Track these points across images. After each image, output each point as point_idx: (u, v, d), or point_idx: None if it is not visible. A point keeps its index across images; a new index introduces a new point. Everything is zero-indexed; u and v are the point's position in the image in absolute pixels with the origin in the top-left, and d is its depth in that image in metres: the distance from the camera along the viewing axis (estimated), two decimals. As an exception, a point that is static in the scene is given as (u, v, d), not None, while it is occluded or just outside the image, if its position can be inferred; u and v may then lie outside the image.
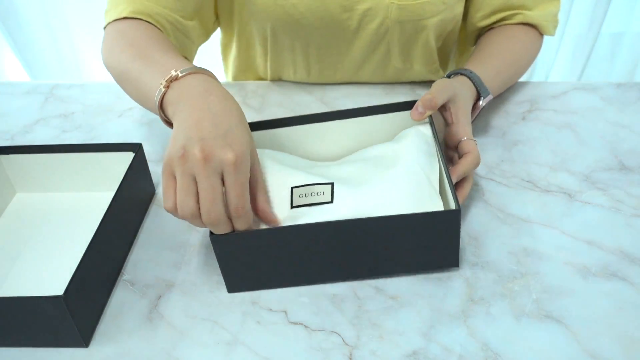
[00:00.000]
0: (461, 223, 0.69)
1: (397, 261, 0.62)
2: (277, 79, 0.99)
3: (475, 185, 0.75)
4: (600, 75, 1.91)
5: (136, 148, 0.72)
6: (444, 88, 0.71)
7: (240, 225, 0.58)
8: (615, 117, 0.85)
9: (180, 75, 0.62)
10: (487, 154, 0.80)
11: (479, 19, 0.89)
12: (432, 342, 0.57)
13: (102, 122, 0.92)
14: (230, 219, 0.58)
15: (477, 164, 0.69)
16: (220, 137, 0.56)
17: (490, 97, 0.78)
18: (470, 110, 0.76)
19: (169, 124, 0.65)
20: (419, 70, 0.93)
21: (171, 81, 0.62)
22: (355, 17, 0.85)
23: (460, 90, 0.74)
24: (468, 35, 0.94)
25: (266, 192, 0.63)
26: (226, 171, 0.56)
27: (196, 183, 0.56)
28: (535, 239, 0.67)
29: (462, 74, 0.78)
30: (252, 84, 0.98)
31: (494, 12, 0.88)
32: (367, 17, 0.85)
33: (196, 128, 0.57)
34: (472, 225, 0.69)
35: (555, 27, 0.90)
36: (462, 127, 0.72)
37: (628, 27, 1.82)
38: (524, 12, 0.87)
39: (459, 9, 0.87)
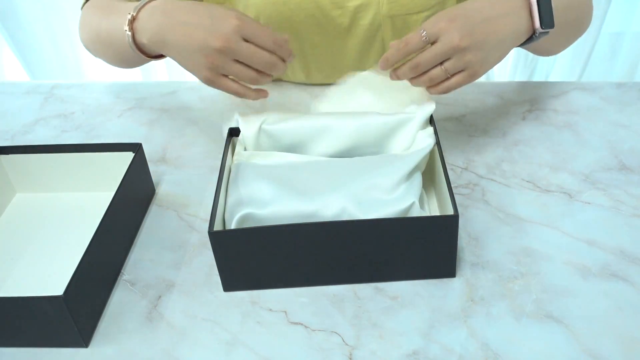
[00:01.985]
0: (461, 223, 0.69)
1: (395, 267, 0.62)
2: (277, 80, 0.99)
3: (475, 185, 0.75)
4: (600, 75, 1.91)
5: (136, 148, 0.72)
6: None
7: (283, 53, 0.68)
8: (615, 117, 0.85)
9: (134, 14, 0.69)
10: (487, 154, 0.80)
11: None
12: (432, 342, 0.57)
13: (102, 122, 0.92)
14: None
15: (396, 46, 0.68)
16: (212, 23, 0.65)
17: (548, 32, 0.70)
18: (483, 16, 0.67)
19: (158, 57, 0.73)
20: None
21: (131, 23, 0.70)
22: (347, 14, 0.85)
23: (455, 12, 0.68)
24: None
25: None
26: (242, 31, 0.65)
27: (239, 62, 0.66)
28: (535, 239, 0.67)
29: None
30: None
31: None
32: (359, 13, 0.85)
33: (190, 40, 0.66)
34: (472, 225, 0.69)
35: None
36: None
37: (628, 27, 1.82)
38: None
39: (451, 2, 0.87)
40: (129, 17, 0.69)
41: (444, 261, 0.62)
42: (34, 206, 0.76)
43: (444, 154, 0.68)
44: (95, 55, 0.85)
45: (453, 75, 0.68)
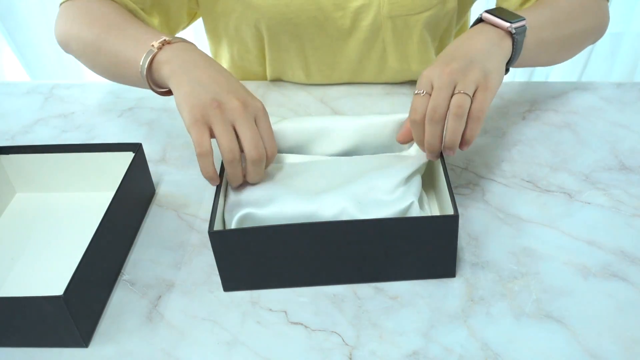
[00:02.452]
0: (461, 223, 0.69)
1: (395, 267, 0.62)
2: (277, 80, 0.99)
3: (475, 185, 0.75)
4: (600, 75, 1.91)
5: (136, 148, 0.72)
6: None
7: (269, 164, 0.66)
8: (615, 117, 0.85)
9: (173, 41, 0.68)
10: (487, 154, 0.80)
11: (519, 4, 0.84)
12: (432, 342, 0.57)
13: (102, 122, 0.92)
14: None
15: (412, 120, 0.64)
16: (243, 90, 0.65)
17: (522, 23, 0.69)
18: (467, 53, 0.66)
19: (156, 88, 0.70)
20: (417, 70, 0.93)
21: (163, 44, 0.67)
22: (349, 15, 0.85)
23: (440, 59, 0.67)
24: None
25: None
26: (259, 116, 0.64)
27: (234, 128, 0.62)
28: (535, 239, 0.67)
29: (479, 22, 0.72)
30: (252, 84, 0.98)
31: None
32: (360, 14, 0.85)
33: (215, 84, 0.64)
34: (472, 226, 0.69)
35: None
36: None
37: (628, 27, 1.82)
38: None
39: (452, 4, 0.86)
40: (166, 38, 0.67)
41: (444, 261, 0.62)
42: (34, 206, 0.76)
43: (444, 154, 0.68)
44: (76, 56, 0.82)
45: (473, 95, 0.63)
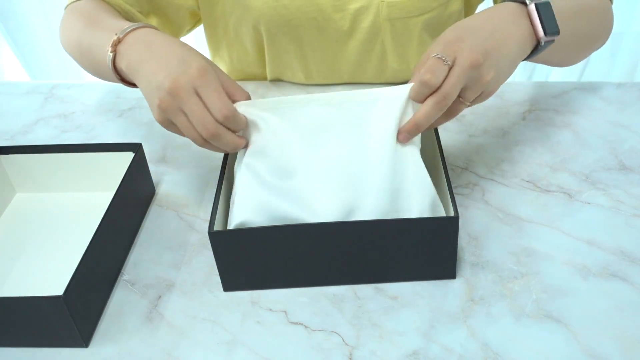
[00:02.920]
0: (461, 223, 0.69)
1: (395, 267, 0.62)
2: (277, 80, 0.99)
3: (475, 185, 0.75)
4: (600, 75, 1.91)
5: (136, 148, 0.72)
6: (427, 53, 0.63)
7: (236, 126, 0.62)
8: (615, 117, 0.85)
9: (121, 37, 0.67)
10: (487, 154, 0.80)
11: None
12: (432, 342, 0.57)
13: (102, 122, 0.92)
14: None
15: (424, 83, 0.60)
16: (177, 65, 0.61)
17: (554, 38, 0.66)
18: (492, 27, 0.64)
19: (130, 84, 0.70)
20: None
21: (115, 45, 0.67)
22: (348, 17, 0.85)
23: (460, 26, 0.64)
24: None
25: (244, 91, 0.65)
26: (197, 86, 0.60)
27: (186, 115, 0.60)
28: (535, 239, 0.67)
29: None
30: (252, 84, 0.98)
31: None
32: (359, 16, 0.85)
33: (155, 74, 0.61)
34: (472, 225, 0.69)
35: None
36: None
37: (628, 27, 1.82)
38: None
39: (455, 6, 0.86)
40: (115, 38, 0.66)
41: (444, 262, 0.62)
42: (34, 206, 0.76)
43: (444, 154, 0.68)
44: (74, 59, 0.84)
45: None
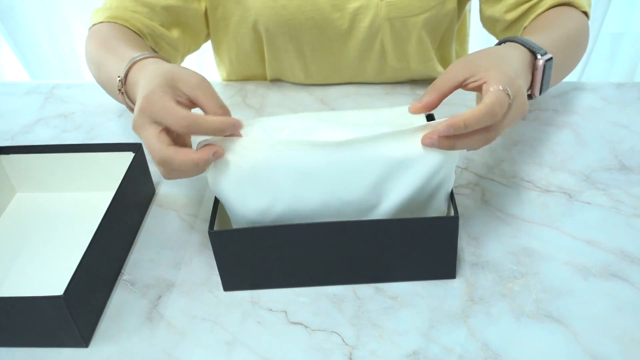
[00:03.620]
0: (461, 223, 0.69)
1: (394, 267, 0.62)
2: (277, 80, 0.99)
3: (476, 185, 0.75)
4: (600, 75, 1.91)
5: (136, 148, 0.72)
6: (454, 73, 0.63)
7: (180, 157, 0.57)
8: (615, 117, 0.85)
9: (123, 77, 0.65)
10: (487, 154, 0.80)
11: (504, 10, 0.83)
12: (432, 342, 0.57)
13: (102, 122, 0.92)
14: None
15: (491, 114, 0.57)
16: (142, 100, 0.57)
17: (548, 57, 0.66)
18: (520, 67, 0.63)
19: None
20: (416, 68, 0.92)
21: (122, 86, 0.65)
22: (347, 17, 0.85)
23: (493, 55, 0.64)
24: (498, 34, 0.88)
25: (216, 100, 0.60)
26: (150, 114, 0.57)
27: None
28: (535, 239, 0.67)
29: (508, 42, 0.68)
30: (252, 84, 0.98)
31: (518, 4, 0.81)
32: (358, 15, 0.85)
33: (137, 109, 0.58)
34: (472, 225, 0.69)
35: (588, 3, 0.82)
36: (493, 79, 0.60)
37: (628, 27, 1.82)
38: None
39: (451, 5, 0.86)
40: (118, 82, 0.65)
41: (444, 263, 0.62)
42: (34, 206, 0.76)
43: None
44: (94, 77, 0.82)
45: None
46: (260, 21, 0.86)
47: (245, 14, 0.87)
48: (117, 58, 0.70)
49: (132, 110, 0.67)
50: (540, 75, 0.66)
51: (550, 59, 0.66)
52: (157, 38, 0.84)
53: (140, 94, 0.58)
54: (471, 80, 0.62)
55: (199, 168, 0.57)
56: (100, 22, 0.82)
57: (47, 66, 1.96)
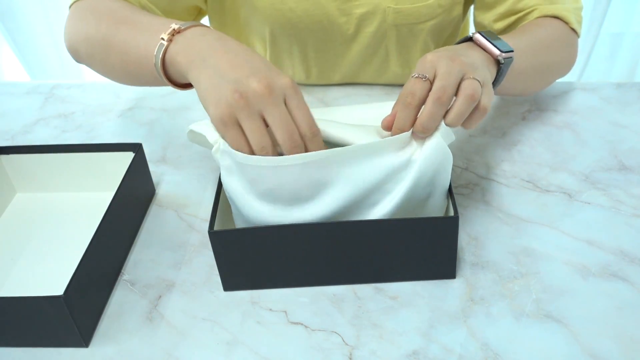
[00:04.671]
0: (461, 223, 0.69)
1: (394, 267, 0.62)
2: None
3: (476, 185, 0.75)
4: (600, 75, 1.92)
5: (136, 148, 0.72)
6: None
7: (315, 147, 0.57)
8: (615, 117, 0.85)
9: (182, 28, 0.62)
10: (487, 154, 0.80)
11: (493, 20, 0.84)
12: (432, 342, 0.57)
13: (102, 122, 0.92)
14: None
15: (402, 103, 0.58)
16: (265, 68, 0.57)
17: (511, 54, 0.65)
18: (477, 61, 0.63)
19: (173, 83, 0.65)
20: None
21: (173, 34, 0.61)
22: (353, 21, 0.85)
23: (442, 49, 0.64)
24: None
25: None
26: (288, 95, 0.56)
27: (263, 119, 0.56)
28: (535, 239, 0.67)
29: (466, 41, 0.68)
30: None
31: (507, 14, 0.83)
32: (364, 20, 0.85)
33: (235, 69, 0.56)
34: (472, 226, 0.69)
35: (578, 21, 0.82)
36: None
37: (628, 27, 1.82)
38: (539, 7, 0.80)
39: (457, 11, 0.86)
40: (175, 27, 0.61)
41: (444, 263, 0.62)
42: (34, 206, 0.76)
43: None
44: (86, 62, 0.78)
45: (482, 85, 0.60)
46: (266, 22, 0.86)
47: (251, 17, 0.87)
48: (147, 24, 0.66)
49: (168, 82, 0.64)
50: (486, 42, 0.66)
51: (510, 58, 0.66)
52: None
53: (271, 67, 0.57)
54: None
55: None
56: None
57: (47, 66, 1.96)
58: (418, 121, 0.58)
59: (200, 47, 0.60)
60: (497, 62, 0.66)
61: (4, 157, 0.75)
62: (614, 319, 0.58)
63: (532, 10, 0.81)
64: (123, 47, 0.68)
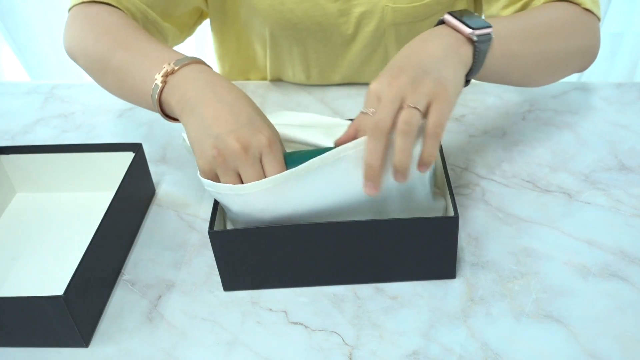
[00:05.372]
0: (461, 223, 0.69)
1: (395, 267, 0.62)
2: (277, 80, 0.99)
3: (476, 185, 0.75)
4: (600, 75, 1.91)
5: (136, 148, 0.72)
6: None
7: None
8: (615, 117, 0.85)
9: (175, 68, 0.62)
10: (487, 154, 0.80)
11: (501, 8, 0.80)
12: (432, 342, 0.57)
13: (102, 122, 0.92)
14: None
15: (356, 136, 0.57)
16: (247, 125, 0.58)
17: (483, 32, 0.61)
18: (431, 53, 0.60)
19: (170, 118, 0.65)
20: None
21: (167, 75, 0.62)
22: (352, 21, 0.85)
23: (396, 58, 0.61)
24: None
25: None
26: (264, 153, 0.57)
27: (239, 175, 0.57)
28: (535, 239, 0.67)
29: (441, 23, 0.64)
30: (252, 84, 0.98)
31: (515, 1, 0.78)
32: (363, 20, 0.85)
33: (218, 123, 0.58)
34: (472, 226, 0.69)
35: (594, 1, 0.75)
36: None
37: (628, 27, 1.82)
38: None
39: (460, 5, 0.86)
40: (168, 68, 0.62)
41: (444, 262, 0.62)
42: (34, 206, 0.76)
43: (444, 154, 0.68)
44: (85, 71, 0.78)
45: (428, 109, 0.56)
46: (266, 23, 0.86)
47: (251, 18, 0.87)
48: (144, 52, 0.66)
49: (161, 113, 0.64)
50: (456, 20, 0.62)
51: (487, 34, 0.61)
52: (148, 24, 0.80)
53: (255, 121, 0.58)
54: None
55: None
56: (84, 2, 0.76)
57: (47, 66, 1.96)
58: (365, 163, 0.56)
59: (191, 94, 0.61)
60: (472, 42, 0.61)
61: (4, 157, 0.75)
62: (614, 319, 0.58)
63: None
64: (119, 74, 0.69)
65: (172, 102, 0.62)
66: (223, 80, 0.62)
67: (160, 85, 0.62)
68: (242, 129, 0.57)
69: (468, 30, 0.61)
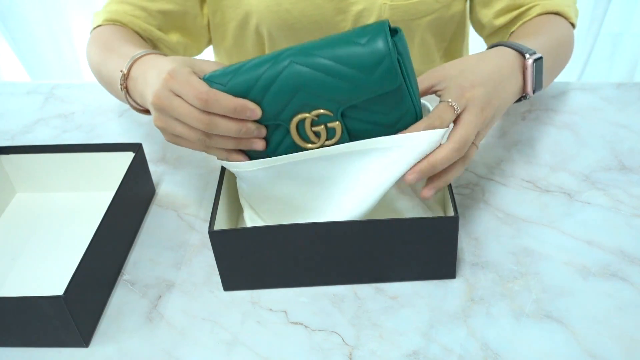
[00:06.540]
0: (461, 223, 0.69)
1: (395, 267, 0.62)
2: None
3: (476, 185, 0.75)
4: (600, 75, 1.91)
5: (136, 148, 0.72)
6: (422, 79, 0.65)
7: (221, 109, 0.56)
8: (615, 117, 0.85)
9: (126, 72, 0.66)
10: (487, 154, 0.80)
11: (493, 16, 0.84)
12: (432, 342, 0.57)
13: (102, 122, 0.92)
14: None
15: (433, 125, 0.58)
16: (155, 78, 0.60)
17: (537, 56, 0.67)
18: (495, 73, 0.64)
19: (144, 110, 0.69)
20: (417, 69, 0.92)
21: (125, 81, 0.67)
22: (350, 19, 0.85)
23: (463, 65, 0.65)
24: (485, 38, 0.89)
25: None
26: (172, 88, 0.57)
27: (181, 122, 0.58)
28: (535, 239, 0.67)
29: (495, 46, 0.70)
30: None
31: (508, 10, 0.83)
32: (361, 18, 0.85)
33: (146, 98, 0.61)
34: (472, 225, 0.69)
35: (576, 14, 0.83)
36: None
37: (628, 27, 1.82)
38: (540, 2, 0.81)
39: (458, 7, 0.86)
40: (121, 75, 0.67)
41: (444, 262, 0.62)
42: (34, 206, 0.76)
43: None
44: (100, 83, 0.83)
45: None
46: (263, 24, 0.86)
47: (248, 18, 0.87)
48: (119, 56, 0.71)
49: (134, 108, 0.69)
50: (531, 74, 0.67)
51: (540, 58, 0.67)
52: (155, 42, 0.85)
53: (160, 69, 0.60)
54: (435, 88, 0.64)
55: (237, 112, 0.57)
56: (100, 25, 0.83)
57: (47, 66, 1.96)
58: (428, 159, 0.58)
59: (139, 89, 0.65)
60: (524, 94, 0.69)
61: (4, 157, 0.75)
62: (614, 319, 0.58)
63: (534, 6, 0.81)
64: (110, 82, 0.75)
65: (139, 103, 0.67)
66: (154, 59, 0.65)
67: (124, 92, 0.68)
68: (153, 85, 0.59)
69: (530, 92, 0.68)
